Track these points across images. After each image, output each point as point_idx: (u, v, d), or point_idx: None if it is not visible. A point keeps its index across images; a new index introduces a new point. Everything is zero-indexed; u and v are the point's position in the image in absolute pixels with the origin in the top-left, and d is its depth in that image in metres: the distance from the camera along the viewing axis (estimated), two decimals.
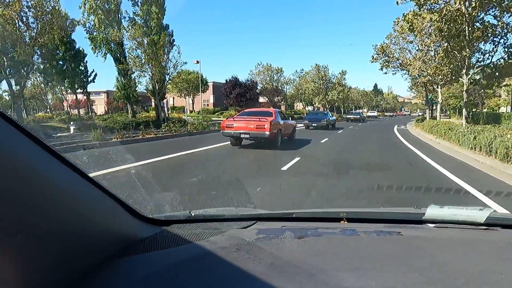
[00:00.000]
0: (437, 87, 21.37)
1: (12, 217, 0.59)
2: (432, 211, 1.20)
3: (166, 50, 30.67)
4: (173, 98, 65.01)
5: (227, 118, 13.03)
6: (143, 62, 27.59)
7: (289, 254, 0.96)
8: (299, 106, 73.11)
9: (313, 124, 24.14)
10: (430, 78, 20.73)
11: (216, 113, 55.89)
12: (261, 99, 44.08)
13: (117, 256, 0.89)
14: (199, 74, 48.56)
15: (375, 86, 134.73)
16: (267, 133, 10.79)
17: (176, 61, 28.37)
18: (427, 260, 0.92)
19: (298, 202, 4.82)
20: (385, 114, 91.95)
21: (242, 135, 11.16)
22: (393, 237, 1.12)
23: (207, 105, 65.73)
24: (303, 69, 51.80)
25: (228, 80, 23.48)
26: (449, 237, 1.10)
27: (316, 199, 4.97)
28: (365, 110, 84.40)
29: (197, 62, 42.32)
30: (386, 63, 23.89)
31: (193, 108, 64.76)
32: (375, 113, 70.98)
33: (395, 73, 25.40)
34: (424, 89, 25.03)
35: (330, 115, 27.88)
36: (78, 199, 0.75)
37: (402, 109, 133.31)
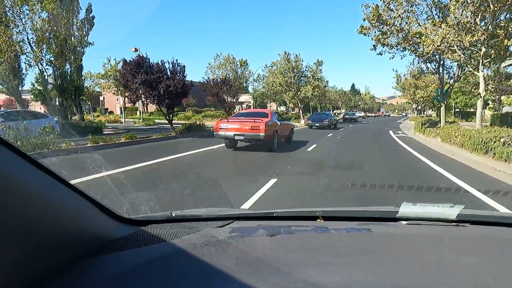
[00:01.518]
0: (478, 70, 12.80)
1: None
2: (405, 209, 1.21)
3: (71, 25, 21.43)
4: (124, 97, 54.83)
5: (220, 120, 11.98)
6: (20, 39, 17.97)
7: (259, 251, 0.98)
8: (273, 106, 64.74)
9: (316, 124, 25.01)
10: (462, 54, 12.34)
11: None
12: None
13: (90, 255, 0.89)
14: None
15: (353, 86, 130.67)
16: (262, 134, 10.20)
17: (70, 39, 19.00)
18: (395, 255, 0.96)
19: None
20: (368, 115, 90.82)
21: (236, 137, 10.57)
22: (363, 233, 1.15)
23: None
24: (273, 64, 39.93)
25: (128, 61, 13.89)
26: (419, 234, 1.12)
27: None
28: (343, 110, 78.93)
29: (136, 50, 32.79)
30: (383, 36, 15.35)
31: (146, 109, 54.83)
32: (362, 114, 73.98)
33: (393, 56, 16.96)
34: (438, 76, 16.64)
35: (332, 115, 29.78)
36: (49, 199, 0.76)
37: (381, 109, 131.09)
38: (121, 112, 37.85)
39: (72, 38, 20.40)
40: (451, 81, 16.36)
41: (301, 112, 41.71)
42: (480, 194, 5.29)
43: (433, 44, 12.34)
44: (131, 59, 14.08)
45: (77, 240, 0.86)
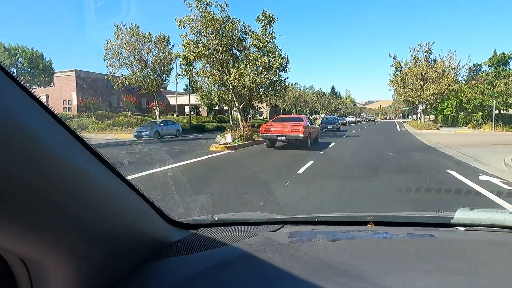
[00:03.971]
0: None
1: (66, 216, 0.61)
2: (462, 215, 1.19)
3: None
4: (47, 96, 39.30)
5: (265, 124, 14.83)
6: None
7: (326, 256, 0.97)
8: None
9: (329, 126, 30.76)
10: None
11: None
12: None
13: (153, 258, 0.90)
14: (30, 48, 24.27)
15: (333, 88, 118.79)
16: (301, 135, 13.06)
17: None
18: (465, 262, 0.93)
19: None
20: (358, 119, 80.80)
21: (278, 138, 13.36)
22: (427, 239, 1.12)
23: (69, 108, 40.57)
24: (179, 25, 17.58)
25: None
26: (482, 240, 1.10)
27: None
28: (323, 115, 65.97)
29: None
30: None
31: None
32: (354, 118, 68.88)
33: None
34: None
35: (339, 119, 38.34)
36: (118, 201, 0.76)
37: (363, 113, 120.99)
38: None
39: None
40: None
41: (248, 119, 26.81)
42: None
43: None
44: None
45: (142, 242, 0.86)
